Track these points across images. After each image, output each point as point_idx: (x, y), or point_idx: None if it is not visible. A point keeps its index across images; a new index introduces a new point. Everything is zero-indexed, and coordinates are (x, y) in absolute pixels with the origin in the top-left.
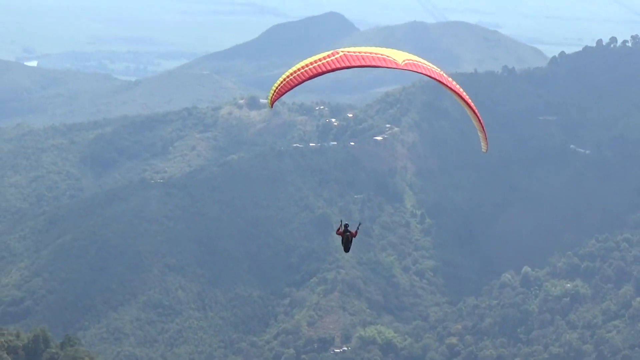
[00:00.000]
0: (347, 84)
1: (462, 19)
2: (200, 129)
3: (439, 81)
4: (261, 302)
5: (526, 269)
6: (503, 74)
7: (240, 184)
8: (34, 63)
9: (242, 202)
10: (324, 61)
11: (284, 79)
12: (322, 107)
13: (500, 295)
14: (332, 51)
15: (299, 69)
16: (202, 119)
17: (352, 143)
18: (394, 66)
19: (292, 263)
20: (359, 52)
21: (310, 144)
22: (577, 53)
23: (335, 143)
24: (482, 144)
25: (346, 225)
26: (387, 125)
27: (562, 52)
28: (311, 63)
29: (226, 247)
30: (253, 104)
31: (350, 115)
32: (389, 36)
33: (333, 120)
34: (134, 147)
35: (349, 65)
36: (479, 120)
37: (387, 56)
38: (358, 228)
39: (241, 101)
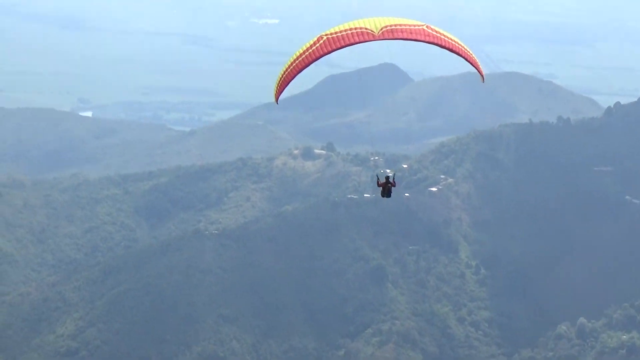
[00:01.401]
0: (401, 134)
1: (517, 70)
2: (255, 179)
3: (420, 40)
4: (316, 354)
5: (582, 320)
6: (558, 124)
7: (295, 235)
8: (89, 113)
9: (297, 252)
10: (311, 50)
11: (282, 76)
12: (376, 157)
13: (556, 346)
14: (317, 37)
15: (292, 63)
16: (257, 170)
17: (407, 194)
18: (372, 39)
19: (346, 314)
20: (341, 32)
21: (365, 195)
22: (632, 103)
23: None
24: (480, 75)
25: (387, 177)
26: (442, 176)
27: (618, 103)
28: (301, 54)
29: (281, 298)
30: (308, 154)
31: (404, 166)
32: (444, 86)
33: (388, 171)
34: (188, 198)
35: (333, 49)
36: (469, 55)
37: (366, 28)
38: (394, 178)
39: (296, 151)
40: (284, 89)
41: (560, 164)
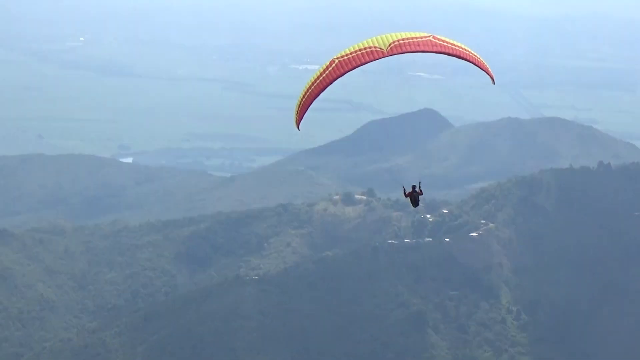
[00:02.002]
0: (442, 180)
1: (557, 115)
2: (295, 225)
3: (428, 51)
4: None
5: None
6: (599, 170)
7: (336, 281)
8: (129, 160)
9: (337, 298)
10: (325, 74)
11: (300, 102)
12: None
13: None
14: (329, 61)
15: (308, 89)
16: (297, 215)
17: (448, 239)
18: (382, 56)
19: None
20: (351, 53)
21: (406, 240)
22: None
23: (431, 239)
24: (490, 78)
25: (413, 187)
26: (482, 221)
27: None
28: (316, 80)
29: (321, 344)
30: (348, 200)
31: (445, 211)
32: (484, 132)
33: (428, 216)
34: (228, 244)
35: (345, 71)
36: (478, 59)
37: (374, 47)
38: (420, 186)
39: (336, 197)
40: (303, 115)
41: (601, 210)
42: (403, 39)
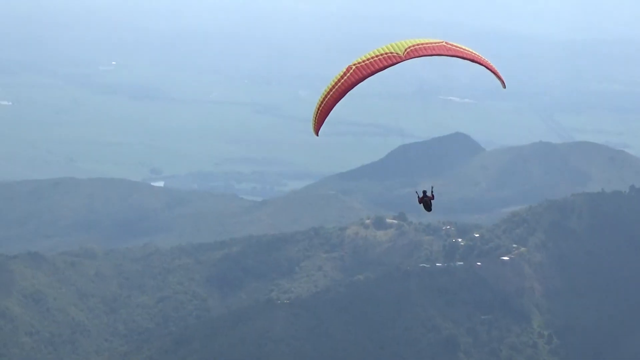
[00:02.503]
0: (473, 204)
1: (589, 139)
2: (327, 248)
3: (443, 54)
4: None
5: None
6: (630, 194)
7: (367, 304)
8: (160, 183)
9: (369, 322)
10: (343, 80)
11: (318, 109)
12: (448, 227)
13: None
14: (346, 67)
15: (326, 96)
16: (329, 239)
17: (479, 263)
18: (399, 60)
19: None
20: (368, 59)
21: (437, 264)
22: None
23: (462, 263)
24: (501, 82)
25: (424, 192)
26: (514, 245)
27: None
28: (334, 87)
29: None
30: (379, 224)
31: (476, 235)
32: (516, 156)
33: (459, 240)
34: (260, 267)
35: (363, 77)
36: (489, 64)
37: (391, 52)
38: (432, 191)
39: (367, 221)
40: (322, 122)
41: (632, 234)
42: (418, 44)
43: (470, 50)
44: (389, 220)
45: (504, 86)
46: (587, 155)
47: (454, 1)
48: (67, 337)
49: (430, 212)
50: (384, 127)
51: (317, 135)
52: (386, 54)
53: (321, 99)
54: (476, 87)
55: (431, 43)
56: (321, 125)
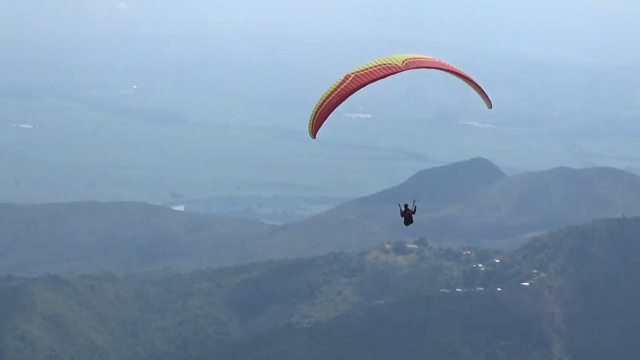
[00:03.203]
0: (494, 229)
1: (610, 165)
2: (347, 273)
3: (439, 68)
4: None
5: None
6: None
7: (387, 329)
8: (181, 207)
9: (389, 347)
10: (341, 87)
11: (315, 114)
12: (468, 252)
13: None
14: (345, 75)
15: (323, 102)
16: (349, 264)
17: (499, 289)
18: (398, 70)
19: None
20: (367, 69)
21: (457, 290)
22: None
23: (482, 288)
24: (486, 102)
25: (406, 206)
26: (534, 271)
27: None
28: (332, 93)
29: None
30: (400, 249)
31: (497, 260)
32: (536, 181)
33: (480, 265)
34: (280, 292)
35: (363, 84)
36: (477, 85)
37: (390, 63)
38: (415, 205)
39: (388, 246)
40: (319, 125)
41: None
42: (415, 57)
43: (462, 70)
44: (409, 245)
45: (490, 106)
46: (608, 180)
47: (473, 26)
48: None
49: (407, 226)
50: (405, 152)
51: (314, 138)
52: (385, 64)
53: (319, 104)
54: (497, 113)
55: (427, 57)
56: (318, 129)
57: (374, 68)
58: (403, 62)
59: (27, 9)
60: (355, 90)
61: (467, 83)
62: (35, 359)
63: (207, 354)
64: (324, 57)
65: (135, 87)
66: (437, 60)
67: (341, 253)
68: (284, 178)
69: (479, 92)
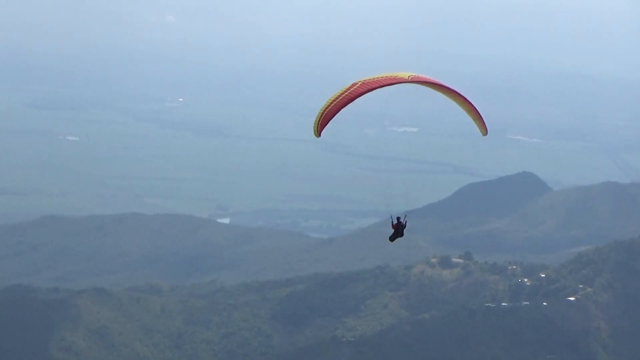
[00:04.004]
0: (540, 243)
1: None
2: (392, 287)
3: (441, 85)
4: None
5: None
6: None
7: (432, 343)
8: (226, 220)
9: None
10: (347, 93)
11: (321, 114)
12: (514, 266)
13: None
14: (352, 83)
15: (329, 104)
16: (394, 278)
17: (545, 303)
18: (404, 81)
19: None
20: (373, 78)
21: (503, 304)
22: None
23: (528, 303)
24: (481, 128)
25: (398, 219)
26: (580, 286)
27: None
28: (339, 96)
29: None
30: (445, 262)
31: (543, 275)
32: (583, 195)
33: (526, 280)
34: (325, 305)
35: (367, 90)
36: (474, 109)
37: (396, 76)
38: (406, 219)
39: (433, 260)
40: (324, 127)
41: None
42: (420, 75)
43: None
44: (454, 260)
45: (485, 133)
46: None
47: (521, 40)
48: None
49: (392, 241)
50: (451, 166)
51: (319, 137)
52: (392, 76)
53: (325, 106)
54: (544, 127)
55: (431, 79)
56: (323, 129)
57: (380, 78)
58: (409, 76)
59: (75, 22)
60: (362, 95)
61: (465, 108)
62: None
63: None
64: (370, 70)
65: (181, 99)
66: (442, 83)
67: (387, 267)
68: (330, 191)
69: (475, 118)
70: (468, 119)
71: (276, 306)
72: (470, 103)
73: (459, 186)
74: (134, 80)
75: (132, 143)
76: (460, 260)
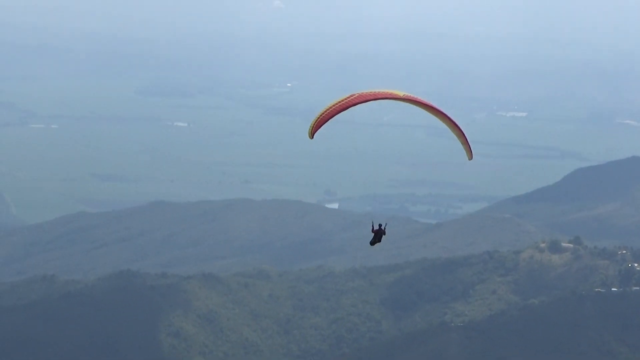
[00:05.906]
0: None
1: None
2: (501, 272)
3: (432, 107)
4: None
5: None
6: None
7: (541, 328)
8: (335, 205)
9: (543, 346)
10: (345, 101)
11: (318, 118)
12: (624, 251)
13: None
14: (350, 94)
15: (328, 108)
16: (503, 263)
17: None
18: (396, 97)
19: None
20: (371, 91)
21: (612, 289)
22: None
23: (638, 288)
24: (467, 153)
25: (380, 225)
26: None
27: None
28: (336, 104)
29: None
30: (555, 247)
31: None
32: None
33: (636, 265)
34: (433, 290)
35: (362, 101)
36: (462, 133)
37: (392, 92)
38: (385, 227)
39: (542, 245)
40: (317, 129)
41: None
42: (413, 96)
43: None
44: (564, 244)
45: (470, 158)
46: None
47: (630, 24)
48: (240, 358)
49: (372, 245)
50: (560, 151)
51: (312, 138)
52: (388, 92)
53: (323, 110)
54: None
55: (425, 100)
56: (316, 131)
57: (376, 92)
58: (403, 94)
59: (183, 8)
60: (356, 104)
61: (454, 132)
62: (189, 355)
63: (361, 352)
64: (479, 55)
65: (289, 85)
66: (432, 105)
67: (495, 252)
68: (438, 176)
69: (462, 142)
70: (575, 105)
71: (384, 291)
72: (458, 127)
73: (567, 171)
74: (241, 66)
75: (240, 129)
76: (569, 245)
